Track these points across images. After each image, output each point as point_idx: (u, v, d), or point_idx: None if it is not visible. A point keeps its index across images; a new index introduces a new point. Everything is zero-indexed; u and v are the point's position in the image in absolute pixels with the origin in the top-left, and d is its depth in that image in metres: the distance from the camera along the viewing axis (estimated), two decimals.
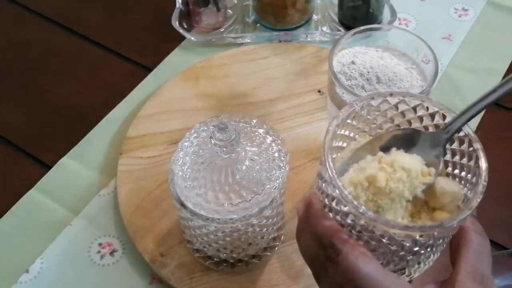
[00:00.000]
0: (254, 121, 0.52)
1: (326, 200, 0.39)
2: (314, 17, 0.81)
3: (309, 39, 0.79)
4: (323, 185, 0.39)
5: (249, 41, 0.79)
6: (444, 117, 0.41)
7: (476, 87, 0.72)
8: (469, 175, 0.39)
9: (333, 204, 0.38)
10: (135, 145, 0.67)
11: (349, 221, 0.37)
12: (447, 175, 0.41)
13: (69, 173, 0.66)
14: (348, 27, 0.76)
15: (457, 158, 0.40)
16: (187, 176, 0.49)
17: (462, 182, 0.39)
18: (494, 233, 0.60)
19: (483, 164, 0.38)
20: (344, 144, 0.42)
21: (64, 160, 0.67)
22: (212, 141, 0.47)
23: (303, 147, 0.66)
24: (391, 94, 0.41)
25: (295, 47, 0.77)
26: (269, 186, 0.49)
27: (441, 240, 0.38)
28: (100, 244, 0.60)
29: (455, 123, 0.39)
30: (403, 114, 0.42)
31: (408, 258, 0.38)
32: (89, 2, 0.87)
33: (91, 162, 0.67)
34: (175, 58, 0.78)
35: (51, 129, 0.72)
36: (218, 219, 0.49)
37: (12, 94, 0.76)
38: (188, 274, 0.57)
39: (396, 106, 0.41)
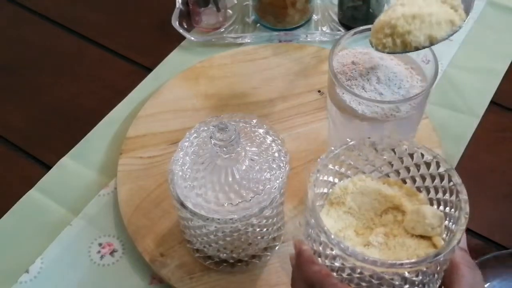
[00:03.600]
0: (254, 121, 0.52)
1: (314, 245, 0.39)
2: (314, 17, 0.81)
3: (309, 39, 0.79)
4: (310, 231, 0.39)
5: (249, 41, 0.79)
6: (422, 155, 0.41)
7: (476, 87, 0.72)
8: (452, 210, 0.39)
9: (321, 248, 0.38)
10: (135, 145, 0.67)
11: (337, 264, 0.37)
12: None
13: (69, 173, 0.66)
14: (348, 27, 0.76)
15: (440, 195, 0.40)
16: (187, 176, 0.49)
17: (447, 217, 0.40)
18: (494, 233, 0.60)
19: (463, 197, 0.38)
20: (325, 190, 0.42)
21: (64, 160, 0.67)
22: (212, 141, 0.47)
23: (303, 147, 0.66)
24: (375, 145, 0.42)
25: (295, 47, 0.77)
26: (269, 186, 0.49)
27: (431, 277, 0.37)
28: (100, 244, 0.60)
29: None
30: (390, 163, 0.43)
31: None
32: (89, 2, 0.87)
33: (91, 162, 0.67)
34: (175, 58, 0.78)
35: (51, 129, 0.72)
36: (218, 219, 0.49)
37: (12, 94, 0.76)
38: (188, 274, 0.57)
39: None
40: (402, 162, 0.41)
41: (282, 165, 0.50)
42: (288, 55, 0.75)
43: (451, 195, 0.39)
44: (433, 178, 0.40)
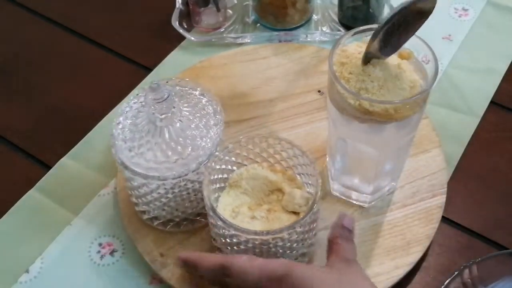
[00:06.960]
0: (190, 84, 0.56)
1: (216, 230, 0.50)
2: (314, 17, 0.81)
3: (309, 39, 0.79)
4: (211, 220, 0.49)
5: (249, 41, 0.79)
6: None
7: (476, 87, 0.72)
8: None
9: (220, 231, 0.49)
10: None
11: (235, 240, 0.49)
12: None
13: (69, 173, 0.66)
14: (348, 27, 0.76)
15: (308, 180, 0.53)
16: (127, 137, 0.52)
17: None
18: (494, 233, 0.60)
19: (318, 180, 0.50)
20: (226, 175, 0.54)
21: (64, 160, 0.67)
22: (146, 101, 0.50)
23: (303, 147, 0.66)
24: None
25: (295, 47, 0.77)
26: (205, 143, 0.52)
27: (296, 237, 0.49)
28: (100, 244, 0.60)
29: None
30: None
31: (280, 251, 0.50)
32: (89, 2, 0.87)
33: (91, 162, 0.67)
34: (175, 58, 0.78)
35: (51, 129, 0.72)
36: (158, 176, 0.52)
37: (12, 94, 0.76)
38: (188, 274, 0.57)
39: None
40: (286, 153, 0.53)
41: (217, 122, 0.54)
42: (288, 55, 0.75)
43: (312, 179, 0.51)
44: (303, 167, 0.52)
